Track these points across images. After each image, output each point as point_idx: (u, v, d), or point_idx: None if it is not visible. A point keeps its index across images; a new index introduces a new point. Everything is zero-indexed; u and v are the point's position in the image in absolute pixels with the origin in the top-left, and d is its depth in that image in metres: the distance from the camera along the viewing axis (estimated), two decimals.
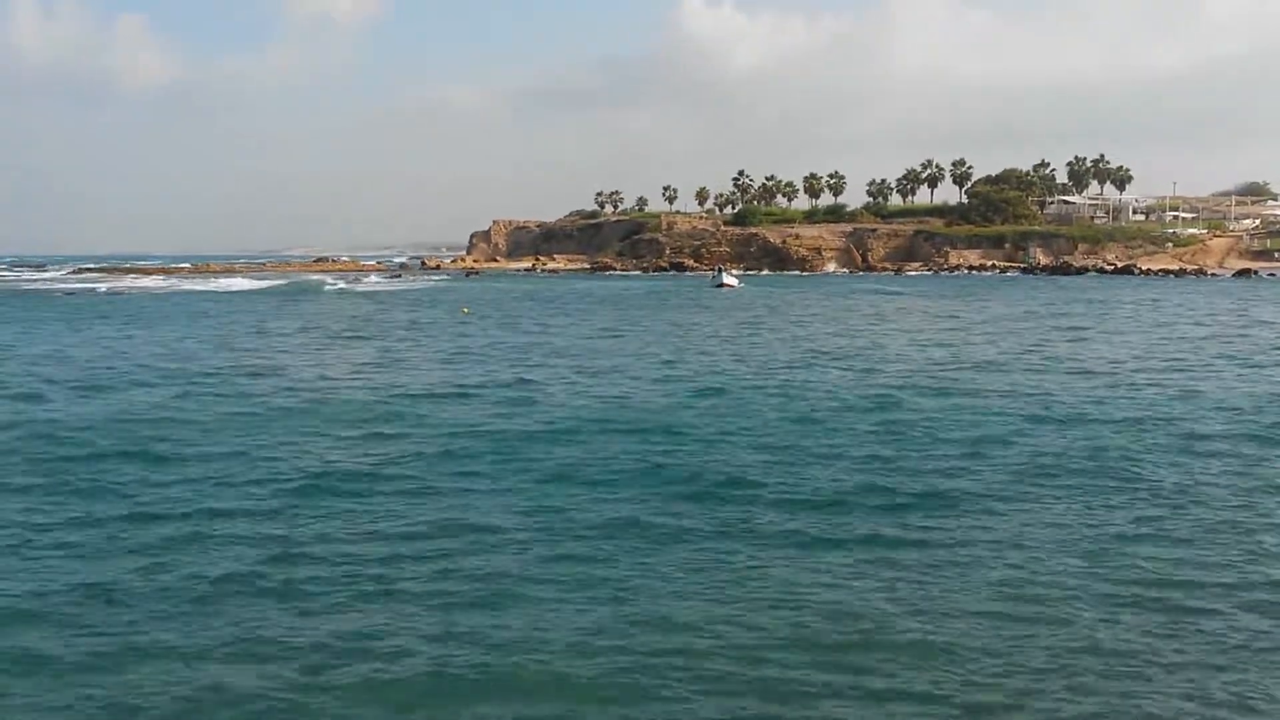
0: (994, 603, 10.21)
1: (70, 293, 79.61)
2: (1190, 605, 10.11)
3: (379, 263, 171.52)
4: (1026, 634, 9.42)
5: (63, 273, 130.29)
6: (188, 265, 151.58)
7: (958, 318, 51.63)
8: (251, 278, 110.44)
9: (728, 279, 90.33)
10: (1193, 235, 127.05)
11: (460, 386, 25.18)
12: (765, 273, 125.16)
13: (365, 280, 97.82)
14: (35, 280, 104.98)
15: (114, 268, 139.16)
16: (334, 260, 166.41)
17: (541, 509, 13.58)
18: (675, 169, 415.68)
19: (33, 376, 27.25)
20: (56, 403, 22.61)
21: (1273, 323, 47.18)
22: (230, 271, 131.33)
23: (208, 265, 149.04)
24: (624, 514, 13.33)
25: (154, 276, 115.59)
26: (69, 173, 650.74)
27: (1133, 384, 25.47)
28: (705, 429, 19.37)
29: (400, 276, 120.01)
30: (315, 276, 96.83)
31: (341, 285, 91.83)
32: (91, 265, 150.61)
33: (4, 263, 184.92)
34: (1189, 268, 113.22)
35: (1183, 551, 11.79)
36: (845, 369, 28.94)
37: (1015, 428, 19.34)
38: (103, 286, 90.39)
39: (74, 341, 38.33)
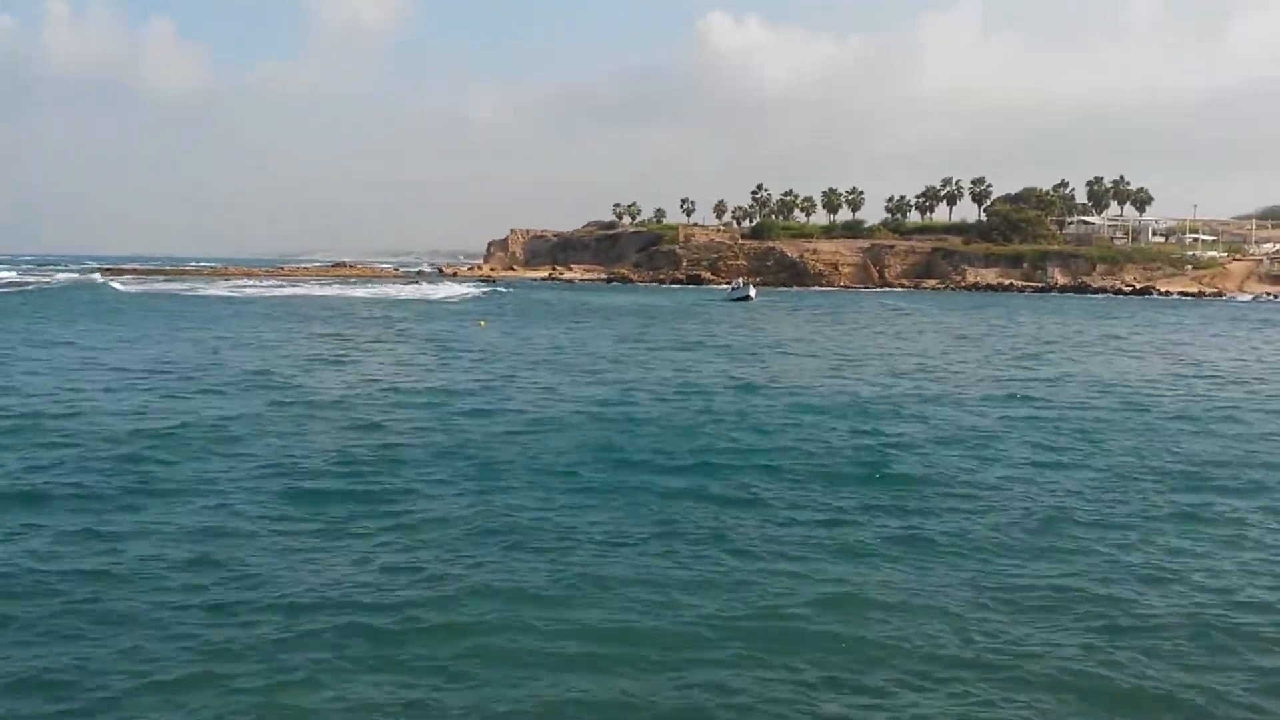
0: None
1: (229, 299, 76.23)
2: None
3: (397, 269, 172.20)
4: None
5: (74, 273, 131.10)
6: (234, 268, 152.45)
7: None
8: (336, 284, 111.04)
9: (752, 291, 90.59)
10: (1212, 258, 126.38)
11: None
12: (781, 288, 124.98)
13: (435, 291, 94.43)
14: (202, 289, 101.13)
15: (180, 270, 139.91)
16: (350, 266, 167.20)
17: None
18: (695, 183, 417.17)
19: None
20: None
21: None
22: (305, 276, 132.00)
23: (283, 268, 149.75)
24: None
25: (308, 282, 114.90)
26: (93, 176, 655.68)
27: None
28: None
29: (419, 283, 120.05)
30: (394, 289, 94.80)
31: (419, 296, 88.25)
32: (118, 266, 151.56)
33: (28, 263, 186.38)
34: (1208, 290, 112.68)
35: None
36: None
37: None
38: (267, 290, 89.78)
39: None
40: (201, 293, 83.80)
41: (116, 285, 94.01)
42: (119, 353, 34.05)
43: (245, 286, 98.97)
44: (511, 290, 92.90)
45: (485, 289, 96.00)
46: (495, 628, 9.84)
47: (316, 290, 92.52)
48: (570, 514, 13.85)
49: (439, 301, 79.68)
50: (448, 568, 11.51)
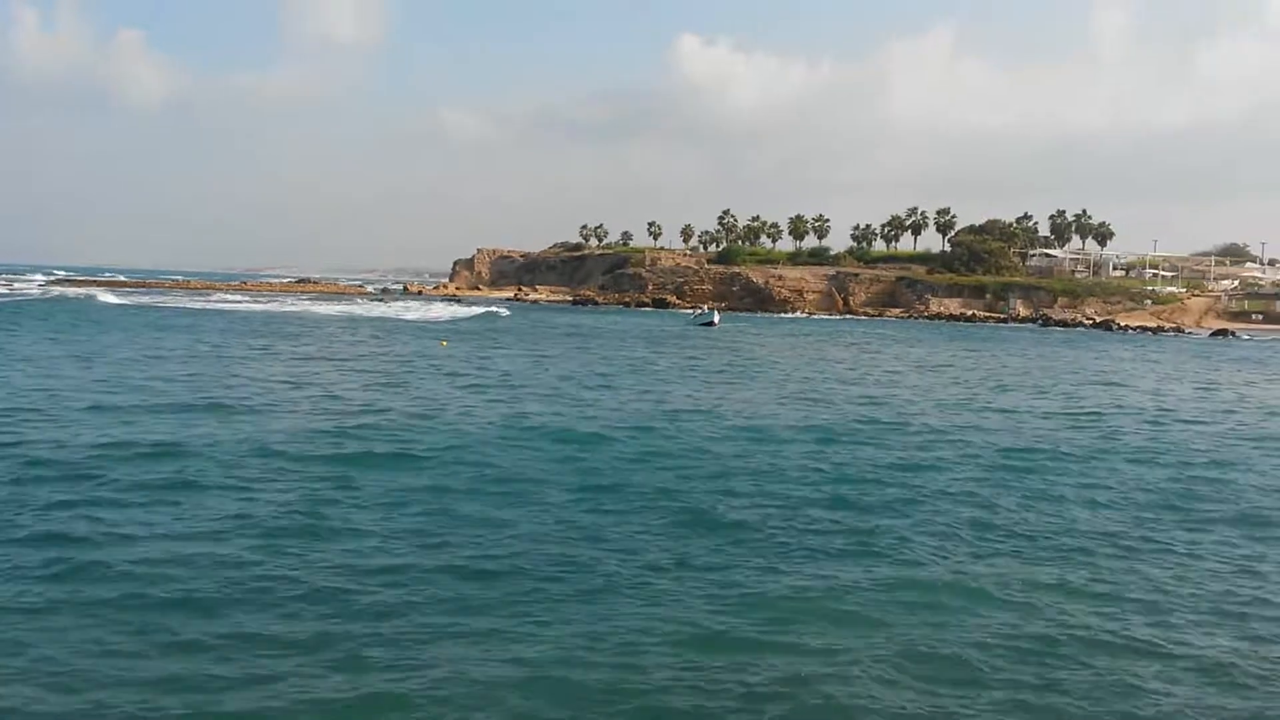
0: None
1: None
2: None
3: (361, 286, 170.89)
4: None
5: (41, 281, 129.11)
6: (179, 280, 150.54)
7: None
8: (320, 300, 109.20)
9: (716, 318, 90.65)
10: (1172, 294, 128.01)
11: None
12: (746, 313, 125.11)
13: (428, 309, 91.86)
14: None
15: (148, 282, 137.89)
16: (315, 282, 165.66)
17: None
18: (664, 206, 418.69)
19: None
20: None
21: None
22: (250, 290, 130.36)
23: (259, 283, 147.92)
24: None
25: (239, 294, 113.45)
26: (52, 185, 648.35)
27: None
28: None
29: (383, 300, 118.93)
30: (379, 308, 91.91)
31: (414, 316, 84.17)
32: (70, 276, 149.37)
33: None
34: (1167, 325, 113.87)
35: None
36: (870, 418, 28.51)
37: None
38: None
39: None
40: (198, 306, 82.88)
41: (110, 298, 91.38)
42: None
43: (237, 301, 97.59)
44: (510, 314, 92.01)
45: (481, 309, 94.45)
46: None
47: (321, 308, 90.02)
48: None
49: (447, 323, 76.84)
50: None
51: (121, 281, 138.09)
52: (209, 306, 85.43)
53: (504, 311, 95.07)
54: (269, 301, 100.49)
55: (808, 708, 8.86)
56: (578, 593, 11.57)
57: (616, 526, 14.57)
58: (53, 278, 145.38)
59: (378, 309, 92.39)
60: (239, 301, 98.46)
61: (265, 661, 9.37)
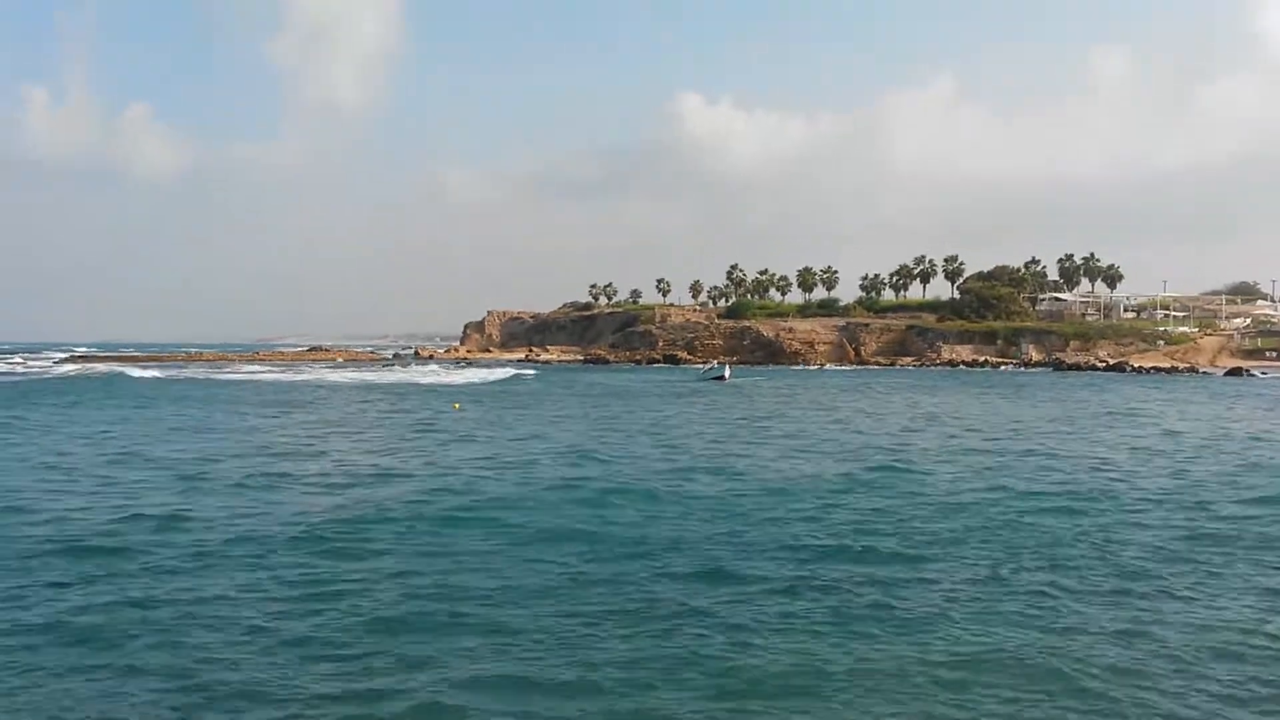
0: None
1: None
2: None
3: (373, 352, 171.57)
4: None
5: (59, 358, 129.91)
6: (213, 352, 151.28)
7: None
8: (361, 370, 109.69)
9: (726, 372, 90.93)
10: (1184, 333, 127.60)
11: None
12: (758, 366, 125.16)
13: (450, 374, 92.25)
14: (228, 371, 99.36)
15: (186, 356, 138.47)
16: (327, 350, 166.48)
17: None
18: (671, 261, 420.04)
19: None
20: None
21: None
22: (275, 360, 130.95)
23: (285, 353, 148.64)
24: None
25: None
26: (58, 261, 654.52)
27: None
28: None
29: (393, 366, 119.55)
30: (400, 376, 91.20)
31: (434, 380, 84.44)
32: (90, 353, 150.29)
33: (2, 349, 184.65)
34: (1181, 365, 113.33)
35: None
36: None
37: None
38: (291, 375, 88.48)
39: None
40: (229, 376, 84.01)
41: (134, 372, 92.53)
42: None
43: (262, 372, 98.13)
44: (536, 372, 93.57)
45: (510, 373, 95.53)
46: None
47: (371, 375, 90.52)
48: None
49: (480, 385, 77.26)
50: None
51: (136, 356, 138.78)
52: (238, 377, 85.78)
53: (529, 372, 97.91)
54: (301, 372, 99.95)
55: None
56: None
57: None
58: (68, 354, 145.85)
59: (421, 374, 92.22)
60: (263, 372, 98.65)
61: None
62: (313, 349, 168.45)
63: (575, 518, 19.28)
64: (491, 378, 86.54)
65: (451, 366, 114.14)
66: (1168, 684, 10.45)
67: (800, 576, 14.65)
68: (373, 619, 12.46)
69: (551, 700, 9.91)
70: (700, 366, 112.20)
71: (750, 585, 14.19)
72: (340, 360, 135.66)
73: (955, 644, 11.62)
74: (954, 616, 12.70)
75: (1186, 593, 14.06)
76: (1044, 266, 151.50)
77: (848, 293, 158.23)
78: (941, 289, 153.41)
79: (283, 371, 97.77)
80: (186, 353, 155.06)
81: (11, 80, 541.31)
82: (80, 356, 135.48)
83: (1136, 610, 13.14)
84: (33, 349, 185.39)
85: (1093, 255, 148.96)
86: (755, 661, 11.03)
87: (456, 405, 55.77)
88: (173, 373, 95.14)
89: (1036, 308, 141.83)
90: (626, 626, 12.19)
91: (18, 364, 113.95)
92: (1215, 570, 15.37)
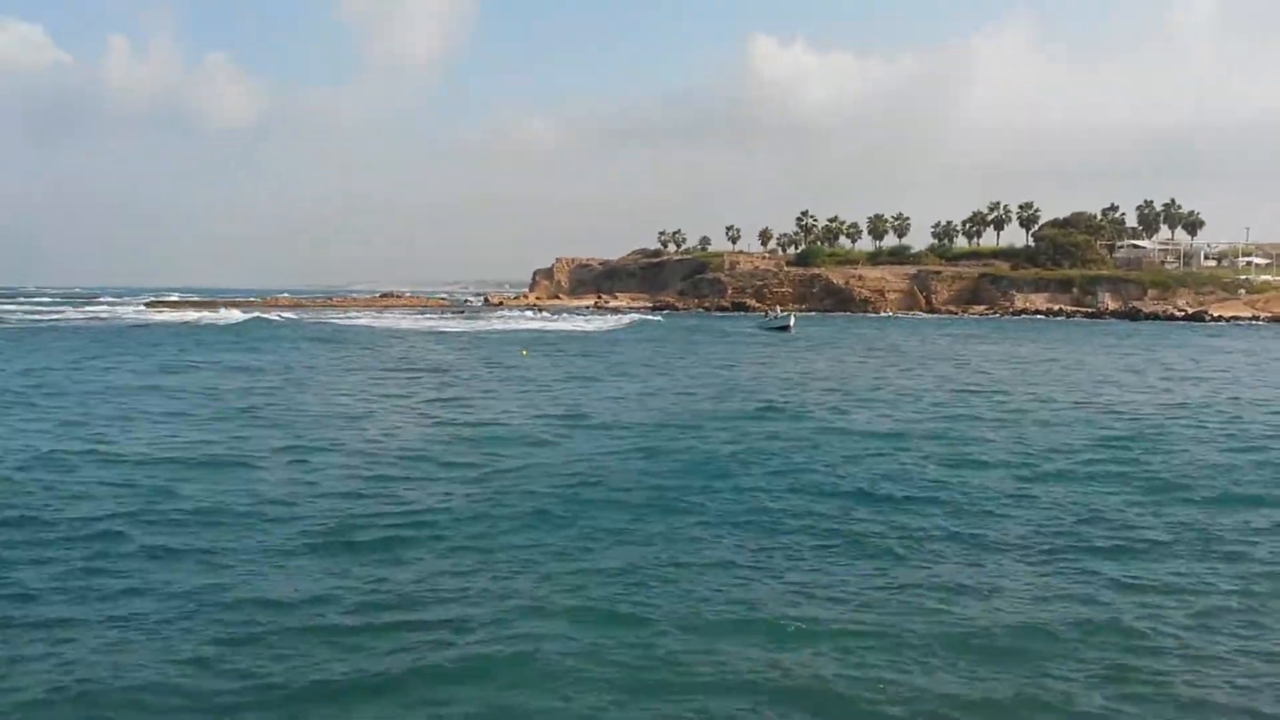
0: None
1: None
2: None
3: (443, 299, 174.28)
4: None
5: (137, 305, 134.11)
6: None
7: None
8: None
9: (791, 321, 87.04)
10: (1266, 282, 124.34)
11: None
12: (827, 314, 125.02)
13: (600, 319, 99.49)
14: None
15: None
16: (398, 296, 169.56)
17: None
18: (741, 209, 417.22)
19: None
20: None
21: None
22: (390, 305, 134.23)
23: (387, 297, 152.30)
24: None
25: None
26: (136, 209, 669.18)
27: None
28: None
29: (464, 313, 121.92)
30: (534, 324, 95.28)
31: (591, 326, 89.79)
32: (185, 299, 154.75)
33: (89, 293, 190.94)
34: (1263, 315, 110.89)
35: None
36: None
37: None
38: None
39: None
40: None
41: (274, 316, 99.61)
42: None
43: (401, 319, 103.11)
44: (661, 319, 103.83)
45: (634, 318, 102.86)
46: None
47: (536, 324, 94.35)
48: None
49: (609, 331, 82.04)
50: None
51: (238, 302, 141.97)
52: (407, 325, 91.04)
53: (655, 319, 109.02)
54: (473, 320, 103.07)
55: None
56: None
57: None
58: (157, 299, 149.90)
59: (568, 323, 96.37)
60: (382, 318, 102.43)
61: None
62: (384, 295, 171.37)
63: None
64: (625, 322, 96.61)
65: (558, 315, 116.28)
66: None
67: None
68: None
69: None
70: (761, 314, 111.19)
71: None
72: (416, 306, 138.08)
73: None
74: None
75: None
76: (1122, 214, 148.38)
77: (919, 240, 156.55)
78: (1016, 236, 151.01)
79: (438, 319, 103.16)
80: (283, 297, 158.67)
81: (96, 30, 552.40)
82: (174, 303, 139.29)
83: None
84: (118, 294, 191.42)
85: (1173, 201, 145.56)
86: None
87: (525, 352, 56.92)
88: (321, 318, 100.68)
89: (1114, 255, 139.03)
90: None
91: (144, 311, 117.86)
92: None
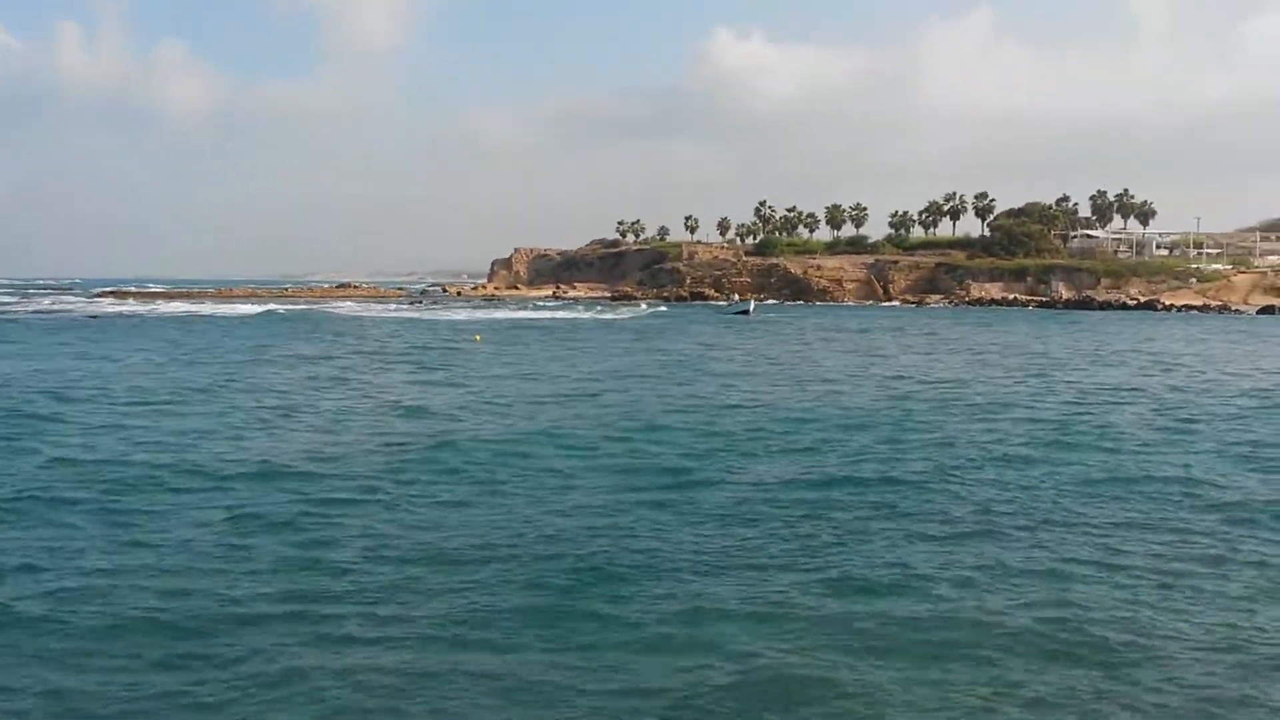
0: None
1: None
2: None
3: (400, 289, 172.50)
4: None
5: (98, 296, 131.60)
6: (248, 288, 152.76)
7: None
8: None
9: (750, 306, 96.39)
10: (1217, 271, 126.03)
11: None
12: (786, 303, 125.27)
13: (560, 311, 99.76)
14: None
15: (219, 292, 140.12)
16: (355, 286, 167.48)
17: None
18: (700, 200, 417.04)
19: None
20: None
21: None
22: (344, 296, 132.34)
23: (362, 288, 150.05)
24: None
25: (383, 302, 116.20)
26: (92, 198, 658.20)
27: None
28: None
29: (421, 303, 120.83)
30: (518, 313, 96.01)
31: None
32: (122, 289, 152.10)
33: (35, 286, 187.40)
34: (1213, 303, 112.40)
35: None
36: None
37: None
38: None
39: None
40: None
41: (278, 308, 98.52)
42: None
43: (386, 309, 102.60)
44: (667, 309, 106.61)
45: (648, 309, 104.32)
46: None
47: (527, 313, 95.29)
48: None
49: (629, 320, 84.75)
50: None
51: (234, 293, 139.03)
52: (377, 313, 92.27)
53: (663, 308, 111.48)
54: (429, 311, 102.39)
55: None
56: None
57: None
58: (112, 290, 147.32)
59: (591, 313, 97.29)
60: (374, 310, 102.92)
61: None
62: (341, 286, 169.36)
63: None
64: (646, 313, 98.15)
65: (556, 306, 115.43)
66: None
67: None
68: None
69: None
70: (723, 303, 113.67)
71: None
72: (375, 297, 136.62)
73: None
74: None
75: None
76: (1076, 204, 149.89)
77: (877, 230, 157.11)
78: (972, 226, 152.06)
79: (408, 310, 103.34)
80: (218, 289, 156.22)
81: (44, 16, 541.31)
82: (127, 293, 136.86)
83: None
84: (63, 287, 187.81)
85: (1126, 192, 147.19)
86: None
87: (478, 338, 56.86)
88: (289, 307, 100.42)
89: (1068, 245, 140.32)
90: None
91: (79, 302, 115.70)
92: None
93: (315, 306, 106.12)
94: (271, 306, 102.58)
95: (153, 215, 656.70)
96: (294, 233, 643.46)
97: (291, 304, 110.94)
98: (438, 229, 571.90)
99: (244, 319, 78.84)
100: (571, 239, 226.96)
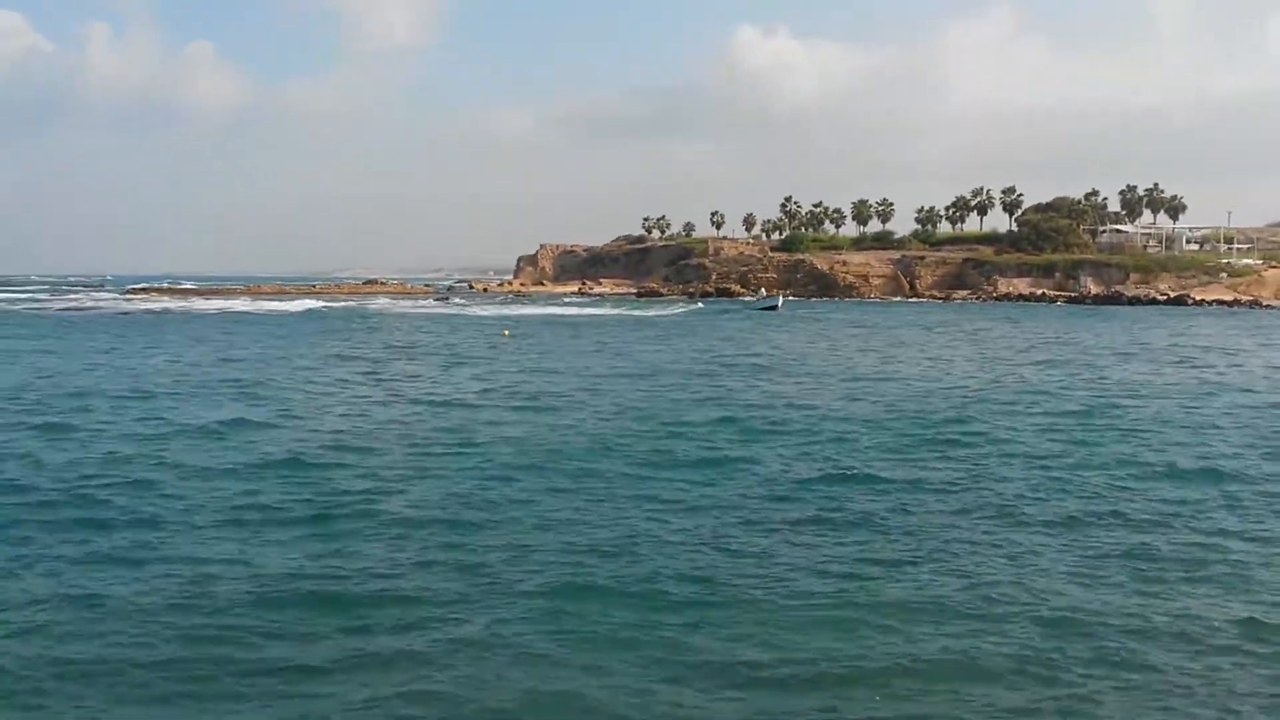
0: None
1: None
2: None
3: (427, 285, 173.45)
4: None
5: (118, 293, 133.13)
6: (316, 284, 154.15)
7: None
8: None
9: (779, 302, 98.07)
10: (1247, 266, 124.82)
11: None
12: (812, 299, 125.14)
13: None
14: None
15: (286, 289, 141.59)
16: (382, 283, 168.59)
17: None
18: (725, 198, 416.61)
19: None
20: None
21: None
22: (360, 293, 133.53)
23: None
24: None
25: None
26: (118, 196, 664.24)
27: None
28: None
29: (447, 300, 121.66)
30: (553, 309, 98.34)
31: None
32: (149, 286, 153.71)
33: (69, 283, 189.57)
34: (1244, 299, 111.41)
35: None
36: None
37: None
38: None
39: None
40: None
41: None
42: None
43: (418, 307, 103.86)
44: (701, 306, 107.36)
45: (686, 307, 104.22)
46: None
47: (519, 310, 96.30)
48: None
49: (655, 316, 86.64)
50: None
51: (264, 290, 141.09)
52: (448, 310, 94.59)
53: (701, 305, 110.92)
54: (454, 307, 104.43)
55: None
56: None
57: None
58: (145, 287, 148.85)
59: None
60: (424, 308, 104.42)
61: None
62: (369, 282, 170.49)
63: None
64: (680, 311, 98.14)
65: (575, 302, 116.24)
66: None
67: None
68: None
69: None
70: (750, 298, 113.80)
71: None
72: (404, 293, 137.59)
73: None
74: None
75: None
76: (1105, 199, 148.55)
77: (903, 226, 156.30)
78: (999, 222, 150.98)
79: (439, 306, 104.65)
80: (246, 286, 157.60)
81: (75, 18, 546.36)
82: (161, 290, 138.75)
83: None
84: (94, 284, 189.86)
85: (1156, 186, 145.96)
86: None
87: (506, 332, 57.47)
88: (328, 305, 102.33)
89: (1097, 240, 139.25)
90: None
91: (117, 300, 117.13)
92: None
93: (354, 304, 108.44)
94: (309, 304, 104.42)
95: (177, 214, 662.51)
96: (314, 231, 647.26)
97: (329, 301, 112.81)
98: (464, 227, 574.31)
99: (292, 316, 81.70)
100: (598, 235, 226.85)
